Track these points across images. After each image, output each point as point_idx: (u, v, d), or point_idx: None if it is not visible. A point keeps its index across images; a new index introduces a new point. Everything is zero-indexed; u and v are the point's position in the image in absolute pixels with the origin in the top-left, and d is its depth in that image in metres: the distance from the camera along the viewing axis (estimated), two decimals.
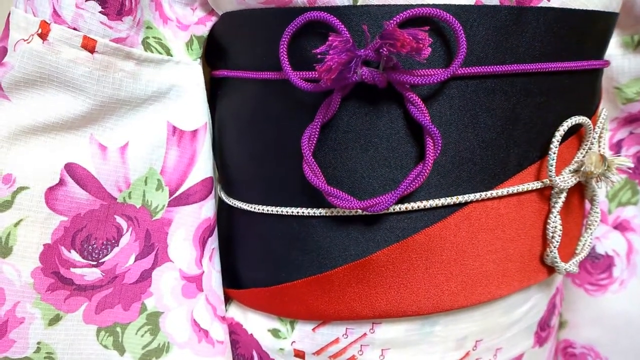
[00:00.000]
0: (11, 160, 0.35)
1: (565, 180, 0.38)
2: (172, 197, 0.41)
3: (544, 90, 0.37)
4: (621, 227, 0.53)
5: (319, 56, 0.31)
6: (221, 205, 0.46)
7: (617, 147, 0.52)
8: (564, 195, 0.39)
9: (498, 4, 0.34)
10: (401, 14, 0.32)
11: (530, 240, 0.40)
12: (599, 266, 0.53)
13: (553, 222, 0.39)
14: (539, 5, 0.34)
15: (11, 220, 0.36)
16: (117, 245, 0.39)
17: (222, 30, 0.40)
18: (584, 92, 0.40)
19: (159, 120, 0.40)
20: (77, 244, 0.38)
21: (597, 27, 0.38)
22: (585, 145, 0.39)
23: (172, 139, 0.40)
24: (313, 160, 0.35)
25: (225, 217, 0.45)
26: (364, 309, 0.38)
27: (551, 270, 0.41)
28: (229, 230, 0.44)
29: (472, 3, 0.33)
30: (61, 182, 0.37)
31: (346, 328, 0.39)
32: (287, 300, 0.40)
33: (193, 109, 0.41)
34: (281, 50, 0.33)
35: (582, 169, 0.38)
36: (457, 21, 0.32)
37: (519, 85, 0.36)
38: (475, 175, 0.36)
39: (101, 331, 0.39)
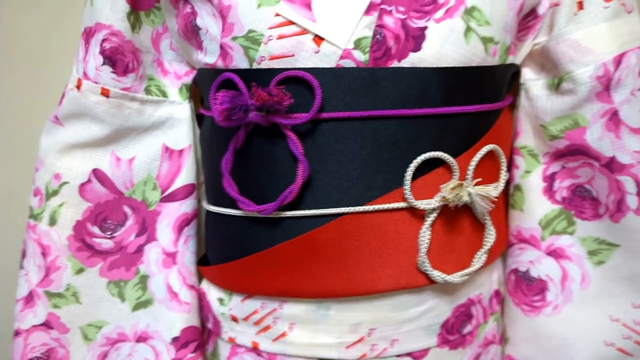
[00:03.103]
0: (60, 165, 0.56)
1: (430, 203, 0.47)
2: (162, 196, 0.58)
3: (407, 129, 0.46)
4: (555, 254, 0.57)
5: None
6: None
7: (550, 179, 0.56)
8: (434, 214, 0.47)
9: (354, 66, 0.45)
10: (278, 75, 0.45)
11: (405, 249, 0.48)
12: (532, 289, 0.57)
13: (422, 235, 0.48)
14: (391, 66, 0.44)
15: (57, 203, 0.56)
16: (124, 226, 0.57)
17: (197, 80, 0.56)
18: (452, 132, 0.47)
19: (157, 142, 0.57)
20: (98, 222, 0.57)
21: (460, 79, 0.46)
22: (455, 175, 0.47)
23: (165, 155, 0.57)
24: (229, 176, 0.49)
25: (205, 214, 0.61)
26: (268, 288, 0.50)
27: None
28: (204, 223, 0.60)
29: (333, 66, 0.45)
30: (89, 180, 0.56)
31: (262, 302, 0.52)
32: (226, 276, 0.54)
33: (181, 134, 0.58)
34: (210, 97, 0.49)
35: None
36: (315, 80, 0.44)
37: (381, 126, 0.46)
38: (347, 192, 0.47)
39: (110, 283, 0.57)
